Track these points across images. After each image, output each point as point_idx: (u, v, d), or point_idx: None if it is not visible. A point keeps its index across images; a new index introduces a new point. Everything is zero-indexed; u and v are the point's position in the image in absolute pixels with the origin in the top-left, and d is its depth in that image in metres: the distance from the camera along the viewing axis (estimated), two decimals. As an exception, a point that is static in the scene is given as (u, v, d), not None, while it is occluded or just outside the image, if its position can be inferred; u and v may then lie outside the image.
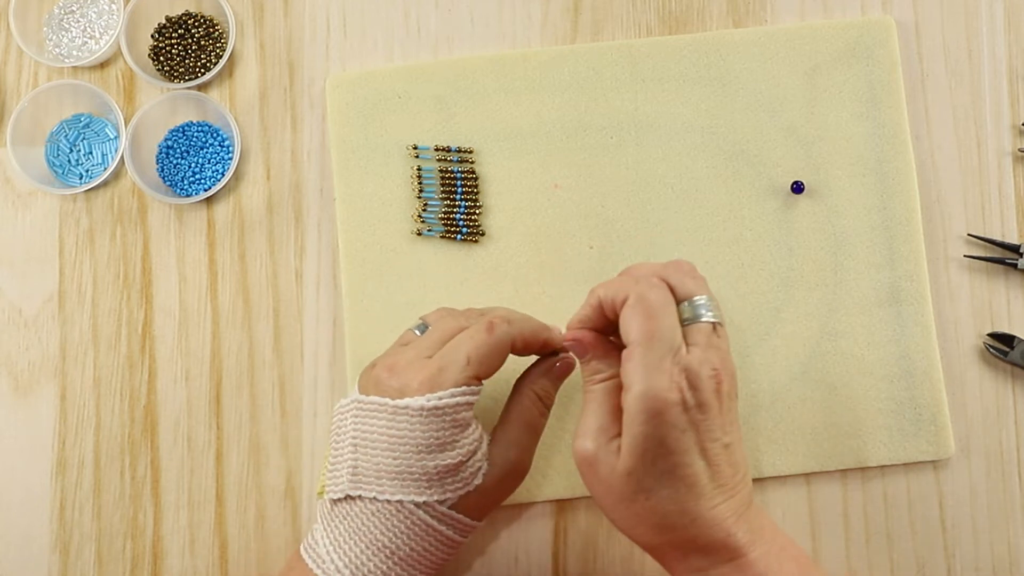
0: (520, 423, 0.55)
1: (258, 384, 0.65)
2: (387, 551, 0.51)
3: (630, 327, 0.48)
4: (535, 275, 0.65)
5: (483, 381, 0.53)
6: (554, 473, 0.63)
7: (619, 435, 0.48)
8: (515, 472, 0.55)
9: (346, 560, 0.51)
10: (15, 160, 0.66)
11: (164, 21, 0.69)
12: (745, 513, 0.49)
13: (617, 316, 0.49)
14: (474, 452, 0.52)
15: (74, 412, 0.66)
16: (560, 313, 0.64)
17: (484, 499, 0.54)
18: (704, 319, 0.49)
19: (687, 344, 0.48)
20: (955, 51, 0.67)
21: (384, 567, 0.52)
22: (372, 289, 0.65)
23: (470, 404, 0.52)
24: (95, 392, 0.66)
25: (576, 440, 0.49)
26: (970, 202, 0.66)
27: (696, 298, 0.49)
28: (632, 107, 0.66)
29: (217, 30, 0.69)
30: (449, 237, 0.65)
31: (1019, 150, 0.66)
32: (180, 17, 0.69)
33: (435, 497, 0.51)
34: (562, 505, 0.64)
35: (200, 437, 0.65)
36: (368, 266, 0.65)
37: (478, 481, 0.53)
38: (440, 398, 0.51)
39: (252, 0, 0.69)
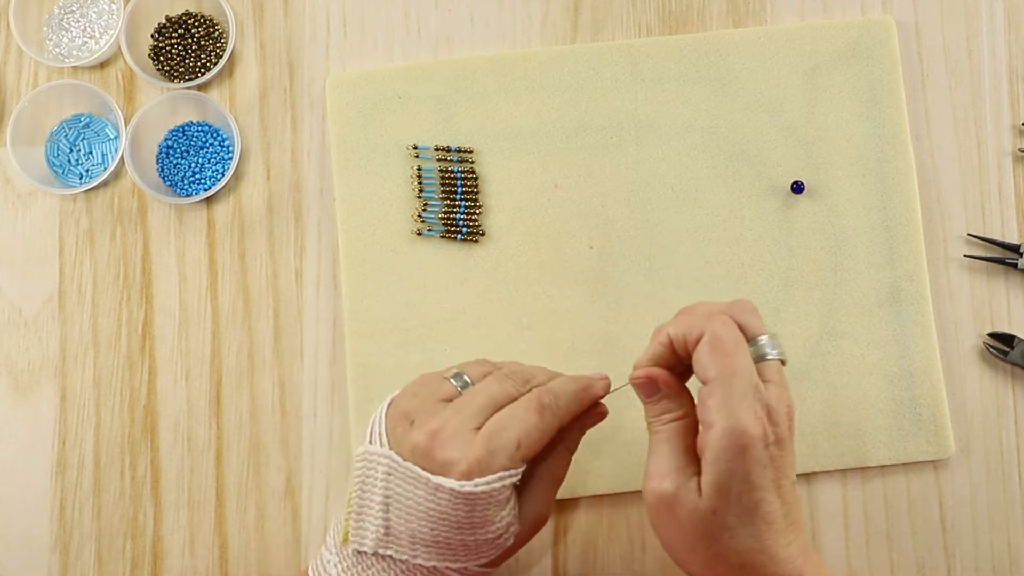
0: (550, 480, 0.54)
1: (258, 384, 0.65)
2: None
3: (708, 365, 0.47)
4: (535, 275, 0.65)
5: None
6: (554, 473, 0.63)
7: (697, 474, 0.48)
8: (541, 523, 0.54)
9: None
10: (15, 160, 0.66)
11: (164, 21, 0.69)
12: (806, 552, 0.49)
13: (688, 354, 0.49)
14: (512, 523, 0.52)
15: (74, 412, 0.66)
16: (560, 313, 0.64)
17: (509, 552, 0.53)
18: (771, 357, 0.49)
19: (763, 381, 0.48)
20: (955, 51, 0.67)
21: None
22: (372, 289, 0.65)
23: (515, 485, 0.51)
24: (95, 392, 0.66)
25: (651, 482, 0.48)
26: (970, 202, 0.66)
27: (761, 337, 0.49)
28: (632, 107, 0.66)
29: (217, 30, 0.69)
30: (449, 237, 0.65)
31: (1019, 150, 0.66)
32: (180, 17, 0.69)
33: (471, 563, 0.51)
34: (562, 505, 0.64)
35: (200, 437, 0.65)
36: (368, 266, 0.65)
37: (509, 543, 0.52)
38: (489, 483, 0.49)
39: (252, 0, 0.69)
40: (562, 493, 0.63)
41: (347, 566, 0.52)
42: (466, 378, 0.54)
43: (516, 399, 0.52)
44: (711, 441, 0.46)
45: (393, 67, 0.67)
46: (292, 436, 0.65)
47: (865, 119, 0.66)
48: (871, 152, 0.65)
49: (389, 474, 0.51)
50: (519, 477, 0.51)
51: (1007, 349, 0.64)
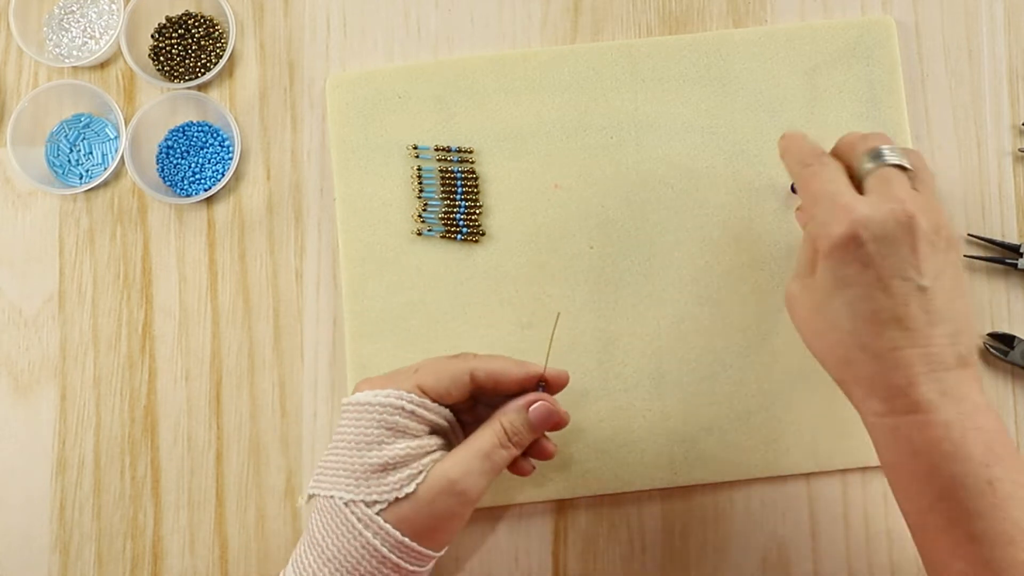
0: (474, 446, 0.54)
1: (258, 384, 0.65)
2: (319, 548, 0.52)
3: (804, 196, 0.53)
4: (535, 275, 0.65)
5: (441, 404, 0.54)
6: (554, 473, 0.63)
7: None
8: (451, 492, 0.52)
9: (295, 554, 0.53)
10: (15, 160, 0.66)
11: (164, 21, 0.69)
12: (944, 373, 0.47)
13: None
14: (408, 459, 0.52)
15: (74, 412, 0.66)
16: (561, 312, 0.64)
17: (419, 515, 0.52)
18: (888, 160, 0.51)
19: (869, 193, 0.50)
20: (955, 51, 0.67)
21: (315, 565, 0.51)
22: (372, 289, 0.65)
23: (405, 410, 0.52)
24: (95, 392, 0.66)
25: (788, 285, 0.54)
26: (970, 202, 0.66)
27: (881, 147, 0.52)
28: (632, 107, 0.66)
29: (217, 30, 0.69)
30: (449, 237, 0.65)
31: (1019, 150, 0.66)
32: (180, 17, 0.69)
33: (361, 496, 0.51)
34: (562, 505, 0.64)
35: (200, 437, 0.65)
36: (368, 266, 0.65)
37: (409, 489, 0.51)
38: (375, 396, 0.53)
39: (252, 0, 0.69)
40: (562, 493, 0.63)
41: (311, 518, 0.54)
42: None
43: None
44: (811, 243, 0.51)
45: (393, 67, 0.67)
46: (292, 436, 0.65)
47: (865, 119, 0.66)
48: (872, 152, 0.65)
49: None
50: (412, 406, 0.52)
51: (1007, 349, 0.64)
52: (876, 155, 0.51)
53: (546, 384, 0.55)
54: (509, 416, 0.55)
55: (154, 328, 0.66)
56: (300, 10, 0.69)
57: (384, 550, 0.51)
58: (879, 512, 0.63)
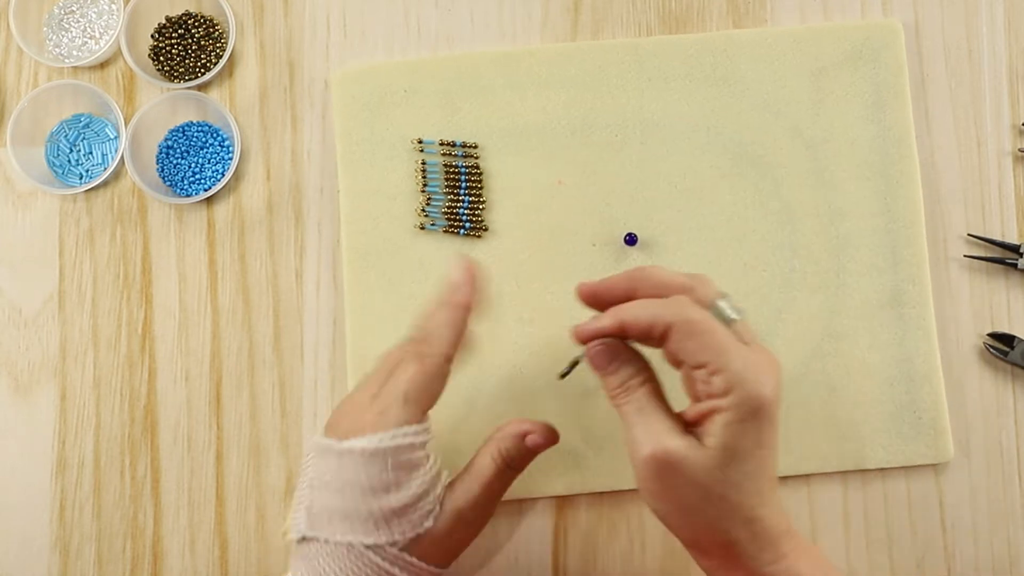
0: (477, 475, 0.54)
1: (258, 384, 0.65)
2: None
3: (696, 349, 0.47)
4: (537, 271, 0.65)
5: (429, 414, 0.53)
6: (553, 471, 0.63)
7: (688, 433, 0.48)
8: (466, 523, 0.53)
9: None
10: (15, 160, 0.66)
11: (164, 21, 0.69)
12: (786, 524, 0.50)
13: (643, 337, 0.49)
14: (424, 495, 0.52)
15: (74, 412, 0.66)
16: (562, 311, 0.64)
17: (438, 546, 0.52)
18: (735, 317, 0.49)
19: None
20: (955, 51, 0.67)
21: None
22: (374, 282, 0.65)
23: (414, 445, 0.51)
24: (95, 392, 0.66)
25: (646, 446, 0.48)
26: (970, 202, 0.66)
27: (719, 302, 0.49)
28: (637, 105, 0.66)
29: (217, 30, 0.69)
30: (452, 232, 0.65)
31: (1019, 150, 0.66)
32: (180, 17, 0.69)
33: (384, 539, 0.51)
34: (562, 504, 0.64)
35: (200, 437, 0.65)
36: (370, 259, 0.65)
37: (428, 524, 0.52)
38: (381, 440, 0.50)
39: (252, 0, 0.69)
40: (562, 491, 0.63)
41: (293, 558, 0.53)
42: None
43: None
44: (725, 406, 0.47)
45: (400, 61, 0.67)
46: (292, 436, 0.65)
47: (870, 122, 0.66)
48: (876, 155, 0.65)
49: (314, 457, 0.52)
50: (422, 436, 0.51)
51: (1007, 349, 0.64)
52: (720, 313, 0.49)
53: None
54: (505, 443, 0.54)
55: (154, 328, 0.66)
56: (300, 10, 0.69)
57: None
58: (879, 513, 0.63)
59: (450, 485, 0.54)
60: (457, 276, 0.55)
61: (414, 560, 0.52)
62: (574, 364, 0.52)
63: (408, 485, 0.51)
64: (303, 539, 0.52)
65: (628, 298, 0.50)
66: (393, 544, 0.51)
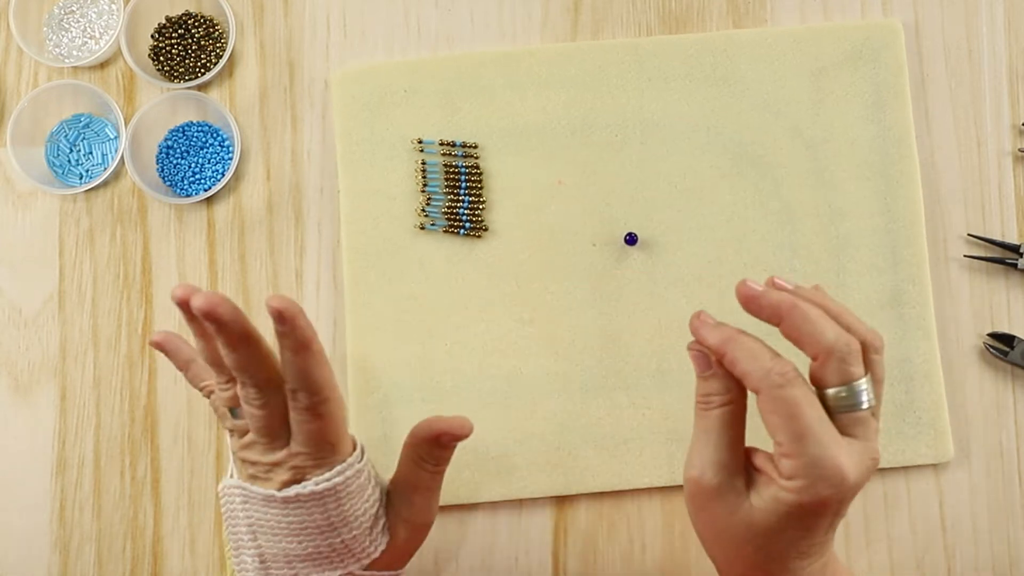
0: (408, 485, 0.54)
1: (258, 384, 0.65)
2: None
3: (775, 426, 0.45)
4: (537, 271, 0.65)
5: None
6: (554, 471, 0.63)
7: (739, 472, 0.47)
8: (415, 527, 0.54)
9: None
10: (15, 160, 0.66)
11: (164, 21, 0.69)
12: None
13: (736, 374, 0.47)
14: (377, 514, 0.52)
15: (74, 412, 0.66)
16: (562, 309, 0.64)
17: (392, 554, 0.53)
18: (865, 407, 0.46)
19: (848, 436, 0.46)
20: (955, 51, 0.67)
21: None
22: (374, 282, 0.65)
23: (359, 471, 0.51)
24: (95, 392, 0.66)
25: (693, 469, 0.47)
26: (970, 202, 0.66)
27: (856, 383, 0.46)
28: (637, 105, 0.66)
29: (217, 30, 0.69)
30: (452, 232, 0.65)
31: (1019, 150, 0.66)
32: (180, 17, 0.69)
33: (353, 566, 0.51)
34: (562, 504, 0.64)
35: (200, 437, 0.65)
36: (370, 259, 0.65)
37: (385, 539, 0.52)
38: (328, 479, 0.49)
39: (252, 0, 0.69)
40: (562, 491, 0.63)
41: None
42: None
43: None
44: (784, 488, 0.45)
45: (400, 61, 0.67)
46: (292, 436, 0.65)
47: (871, 122, 0.65)
48: (876, 155, 0.65)
49: (245, 502, 0.51)
50: (363, 464, 0.51)
51: (1007, 349, 0.64)
52: (853, 393, 0.46)
53: None
54: (422, 449, 0.53)
55: (154, 328, 0.66)
56: (300, 10, 0.69)
57: None
58: (879, 513, 0.63)
59: (388, 496, 0.54)
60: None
61: (381, 573, 0.52)
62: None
63: (363, 510, 0.51)
64: None
65: (776, 321, 0.47)
66: (360, 567, 0.51)
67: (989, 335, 0.64)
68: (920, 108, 0.67)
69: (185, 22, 0.68)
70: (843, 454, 0.44)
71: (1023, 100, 0.67)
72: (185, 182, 0.67)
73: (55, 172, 0.68)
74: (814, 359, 0.46)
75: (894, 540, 0.63)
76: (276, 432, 0.50)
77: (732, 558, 0.48)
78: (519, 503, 0.64)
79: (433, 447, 0.53)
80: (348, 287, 0.65)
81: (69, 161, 0.68)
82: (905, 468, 0.63)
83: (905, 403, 0.63)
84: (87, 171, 0.68)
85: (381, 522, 0.52)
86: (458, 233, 0.65)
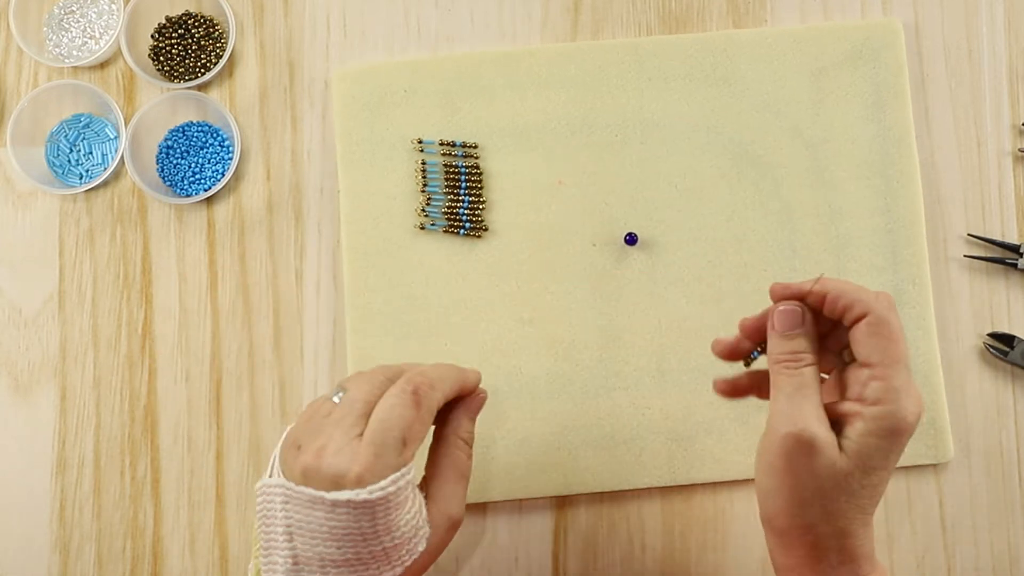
0: (453, 475, 0.53)
1: (258, 384, 0.65)
2: None
3: (872, 347, 0.48)
4: (537, 271, 0.65)
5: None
6: (554, 471, 0.63)
7: (828, 425, 0.48)
8: (455, 526, 0.53)
9: None
10: (15, 160, 0.66)
11: (164, 21, 0.69)
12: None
13: (835, 313, 0.49)
14: (417, 525, 0.51)
15: (74, 412, 0.66)
16: (562, 309, 0.64)
17: (427, 557, 0.52)
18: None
19: None
20: (955, 51, 0.67)
21: None
22: (374, 282, 0.65)
23: (409, 483, 0.50)
24: (95, 392, 0.66)
25: (792, 423, 0.48)
26: (970, 202, 0.66)
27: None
28: (637, 105, 0.66)
29: (217, 30, 0.69)
30: (452, 232, 0.65)
31: (1019, 150, 0.66)
32: (180, 17, 0.69)
33: (386, 574, 0.50)
34: (562, 504, 0.64)
35: (200, 437, 0.65)
36: (370, 259, 0.65)
37: (422, 547, 0.51)
38: (383, 488, 0.48)
39: (252, 0, 0.69)
40: (562, 491, 0.63)
41: None
42: (344, 390, 0.52)
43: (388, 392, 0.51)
44: (870, 415, 0.47)
45: (400, 61, 0.67)
46: (292, 436, 0.65)
47: (871, 122, 0.66)
48: (876, 155, 0.65)
49: (286, 502, 0.50)
50: (412, 473, 0.50)
51: (1007, 349, 0.64)
52: None
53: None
54: (464, 427, 0.53)
55: (154, 328, 0.66)
56: (300, 10, 0.69)
57: None
58: (879, 513, 0.63)
59: (429, 497, 0.53)
60: (475, 373, 0.54)
61: None
62: (760, 351, 0.52)
63: (405, 521, 0.50)
64: None
65: (818, 300, 0.50)
66: (393, 574, 0.50)
67: (989, 335, 0.64)
68: (920, 108, 0.67)
69: (185, 22, 0.68)
70: (912, 382, 0.48)
71: (1023, 100, 0.67)
72: (185, 182, 0.67)
73: (55, 172, 0.68)
74: (858, 320, 0.49)
75: (894, 540, 0.63)
76: None
77: (818, 518, 0.49)
78: (519, 503, 0.64)
79: (472, 422, 0.54)
80: (348, 287, 0.65)
81: (69, 161, 0.68)
82: (905, 468, 0.63)
83: (905, 403, 0.63)
84: (87, 171, 0.68)
85: (421, 531, 0.51)
86: (458, 233, 0.65)
